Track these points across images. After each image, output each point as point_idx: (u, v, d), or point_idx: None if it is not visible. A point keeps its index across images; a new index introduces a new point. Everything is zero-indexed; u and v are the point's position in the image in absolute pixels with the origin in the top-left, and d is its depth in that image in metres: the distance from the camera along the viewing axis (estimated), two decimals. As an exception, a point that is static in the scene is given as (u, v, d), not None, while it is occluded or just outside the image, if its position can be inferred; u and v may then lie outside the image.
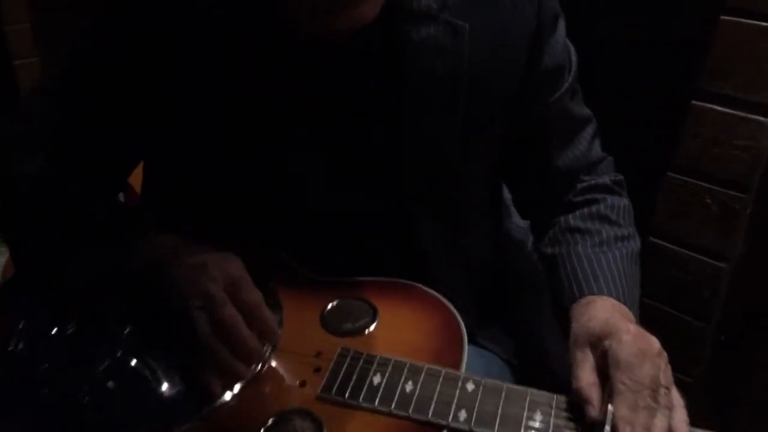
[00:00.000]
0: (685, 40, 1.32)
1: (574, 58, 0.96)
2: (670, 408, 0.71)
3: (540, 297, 1.11)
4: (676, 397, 0.73)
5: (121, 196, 1.04)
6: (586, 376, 0.75)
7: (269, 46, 0.81)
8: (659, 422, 0.69)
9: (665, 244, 1.44)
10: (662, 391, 0.71)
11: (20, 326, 0.82)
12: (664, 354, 0.74)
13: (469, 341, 0.82)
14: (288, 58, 0.82)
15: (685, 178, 1.40)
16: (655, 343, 0.74)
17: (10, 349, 0.81)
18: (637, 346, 0.73)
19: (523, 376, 1.00)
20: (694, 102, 1.33)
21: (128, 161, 0.96)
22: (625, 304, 0.85)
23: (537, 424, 0.73)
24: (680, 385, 0.75)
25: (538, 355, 1.05)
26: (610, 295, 0.85)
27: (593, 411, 0.72)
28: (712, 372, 1.42)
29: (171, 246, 0.82)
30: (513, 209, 1.16)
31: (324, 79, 0.83)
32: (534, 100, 0.93)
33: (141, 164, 0.98)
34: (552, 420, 0.73)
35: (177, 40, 0.81)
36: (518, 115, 0.93)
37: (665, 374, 0.73)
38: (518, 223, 1.16)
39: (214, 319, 0.74)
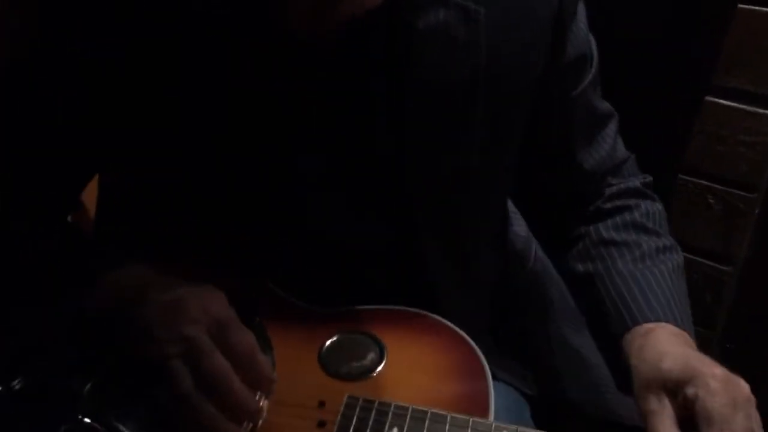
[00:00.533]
0: (697, 37, 1.23)
1: (594, 46, 0.85)
2: None
3: (546, 318, 1.01)
4: None
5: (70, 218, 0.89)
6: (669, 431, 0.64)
7: (267, 46, 0.70)
8: None
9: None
10: None
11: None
12: (753, 399, 0.64)
13: (485, 375, 0.71)
14: (286, 58, 0.70)
15: (686, 178, 1.32)
16: (745, 388, 0.64)
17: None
18: (729, 394, 0.63)
19: (540, 408, 0.90)
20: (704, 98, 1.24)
21: (88, 169, 0.81)
22: (684, 329, 0.75)
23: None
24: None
25: (553, 384, 0.95)
26: (668, 321, 0.75)
27: None
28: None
29: (138, 280, 0.69)
30: (513, 216, 1.05)
31: (323, 79, 0.71)
32: (556, 95, 0.82)
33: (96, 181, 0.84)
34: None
35: (173, 41, 0.69)
36: (539, 114, 0.81)
37: (757, 424, 0.63)
38: (518, 231, 1.04)
39: (198, 371, 0.61)
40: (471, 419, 0.66)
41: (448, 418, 0.66)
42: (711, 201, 1.30)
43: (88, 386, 0.66)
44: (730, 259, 1.31)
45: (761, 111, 1.21)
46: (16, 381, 0.68)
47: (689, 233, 1.33)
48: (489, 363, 0.86)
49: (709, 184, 1.30)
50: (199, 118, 0.72)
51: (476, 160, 0.77)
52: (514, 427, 0.66)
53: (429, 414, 0.67)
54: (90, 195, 0.88)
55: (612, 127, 0.89)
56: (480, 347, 0.75)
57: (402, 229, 0.79)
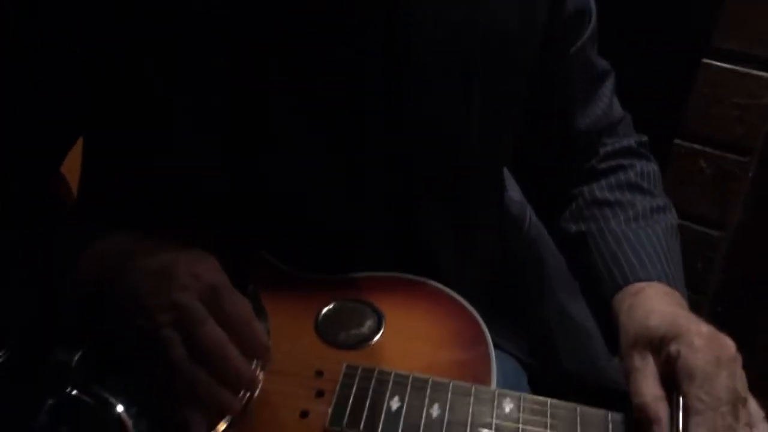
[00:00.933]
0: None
1: (592, 1, 0.82)
2: (750, 425, 0.60)
3: (542, 284, 0.99)
4: (756, 411, 0.62)
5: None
6: (651, 389, 0.62)
7: (257, 20, 0.66)
8: None
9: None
10: (741, 405, 0.60)
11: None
12: (739, 358, 0.63)
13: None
14: (278, 30, 0.66)
15: (677, 141, 1.30)
16: (730, 346, 0.63)
17: None
18: (712, 352, 0.61)
19: (538, 377, 0.89)
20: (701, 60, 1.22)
21: (64, 136, 0.77)
22: (676, 289, 0.73)
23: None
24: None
25: (549, 351, 0.93)
26: (659, 280, 0.74)
27: None
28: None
29: (123, 247, 0.66)
30: (508, 181, 1.03)
31: (316, 39, 0.68)
32: (555, 52, 0.80)
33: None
34: (613, 444, 0.61)
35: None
36: (538, 73, 0.79)
37: (742, 384, 0.61)
38: (513, 197, 1.02)
39: (191, 340, 0.59)
40: (473, 386, 0.65)
41: (450, 385, 0.65)
42: (703, 165, 1.29)
43: (76, 358, 0.63)
44: (722, 224, 1.31)
45: (756, 72, 1.19)
46: (1, 352, 0.65)
47: (681, 198, 1.32)
48: (489, 330, 0.85)
49: (702, 148, 1.28)
50: (191, 80, 0.68)
51: (476, 127, 0.75)
52: (517, 394, 0.65)
53: (430, 382, 0.65)
54: (73, 174, 0.84)
55: (609, 85, 0.87)
56: (479, 314, 0.73)
57: (401, 198, 0.77)
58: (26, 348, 0.65)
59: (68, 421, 0.60)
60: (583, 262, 0.83)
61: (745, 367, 0.64)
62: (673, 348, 0.62)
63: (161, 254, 0.63)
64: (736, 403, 0.59)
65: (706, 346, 0.61)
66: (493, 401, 0.64)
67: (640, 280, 0.74)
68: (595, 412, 0.64)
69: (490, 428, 0.62)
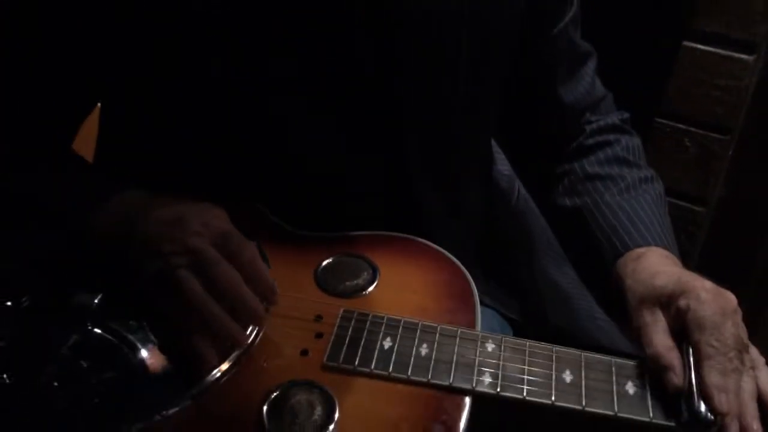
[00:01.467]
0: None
1: None
2: (754, 368, 0.66)
3: (529, 252, 1.05)
4: (757, 356, 0.68)
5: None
6: (662, 340, 0.68)
7: None
8: (747, 385, 0.64)
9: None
10: (745, 350, 0.66)
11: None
12: (740, 311, 0.68)
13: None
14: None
15: (662, 121, 1.36)
16: (732, 299, 0.68)
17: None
18: (718, 304, 0.67)
19: (524, 334, 0.94)
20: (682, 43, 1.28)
21: (80, 103, 0.83)
22: (671, 251, 0.79)
23: (568, 384, 0.66)
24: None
25: (536, 312, 0.99)
26: (657, 245, 0.79)
27: (676, 379, 0.65)
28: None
29: (139, 201, 0.71)
30: (497, 156, 1.08)
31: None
32: (537, 32, 0.85)
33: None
34: (584, 380, 0.67)
35: None
36: (521, 52, 0.84)
37: (744, 332, 0.68)
38: (503, 171, 1.08)
39: (206, 279, 0.65)
40: (459, 329, 0.71)
41: (438, 328, 0.71)
42: (688, 144, 1.35)
43: (97, 300, 0.69)
44: (705, 200, 1.36)
45: (736, 55, 1.25)
46: (24, 299, 0.71)
47: (665, 176, 1.37)
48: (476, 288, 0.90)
49: (686, 127, 1.34)
50: (176, 47, 0.73)
51: (462, 94, 0.80)
52: (499, 336, 0.71)
53: (420, 325, 0.71)
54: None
55: (591, 65, 0.93)
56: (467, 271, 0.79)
57: (394, 161, 0.82)
58: (48, 293, 0.71)
59: (89, 355, 0.66)
60: (581, 234, 0.88)
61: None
62: (682, 302, 0.68)
63: (175, 206, 0.69)
64: (741, 349, 0.66)
65: (713, 299, 0.67)
66: (477, 342, 0.70)
67: (639, 246, 0.80)
68: (569, 351, 0.69)
69: (474, 365, 0.67)
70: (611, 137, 0.92)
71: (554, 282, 1.06)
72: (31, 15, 0.75)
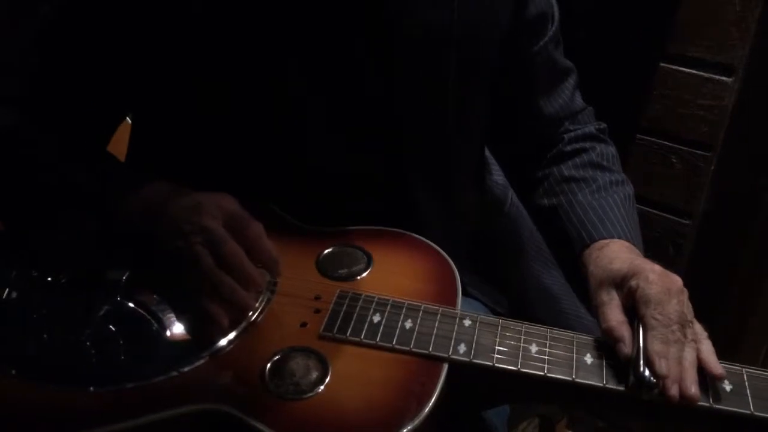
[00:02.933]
0: (653, 4, 1.36)
1: (556, 8, 0.99)
2: (696, 341, 0.75)
3: (519, 256, 1.14)
4: (700, 331, 0.77)
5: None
6: (615, 315, 0.77)
7: None
8: (688, 354, 0.73)
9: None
10: (688, 325, 0.75)
11: (12, 275, 0.81)
12: (686, 291, 0.77)
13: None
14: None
15: (651, 139, 1.45)
16: (678, 280, 0.78)
17: (3, 298, 0.80)
18: (664, 284, 0.76)
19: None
20: (661, 64, 1.38)
21: (113, 112, 0.95)
22: (633, 244, 0.88)
23: (534, 354, 0.75)
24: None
25: (524, 307, 1.08)
26: (620, 237, 0.89)
27: (626, 348, 0.74)
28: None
29: (162, 190, 0.82)
30: (492, 166, 1.18)
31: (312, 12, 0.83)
32: (519, 49, 0.95)
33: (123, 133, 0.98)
34: (548, 351, 0.76)
35: None
36: (505, 66, 0.95)
37: (689, 309, 0.76)
38: (497, 180, 1.18)
39: (217, 254, 0.75)
40: (441, 308, 0.80)
41: (422, 307, 0.80)
42: (674, 161, 1.44)
43: (125, 276, 0.80)
44: (691, 214, 1.45)
45: (717, 77, 1.34)
46: (62, 276, 0.82)
47: (654, 191, 1.47)
48: (466, 283, 1.00)
49: (672, 144, 1.43)
50: (193, 52, 0.84)
51: (453, 103, 0.91)
52: (475, 314, 0.80)
53: (406, 304, 0.80)
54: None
55: (571, 81, 1.03)
56: (459, 269, 0.87)
57: (392, 165, 0.93)
58: (84, 270, 0.82)
59: (117, 323, 0.77)
60: (557, 228, 0.97)
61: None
62: (632, 282, 0.78)
63: (193, 194, 0.79)
64: (684, 324, 0.74)
65: (659, 280, 0.77)
66: (456, 318, 0.79)
67: (603, 237, 0.90)
68: (537, 327, 0.79)
69: (452, 337, 0.77)
70: (587, 144, 1.02)
71: (543, 284, 1.15)
72: (71, 23, 0.86)
